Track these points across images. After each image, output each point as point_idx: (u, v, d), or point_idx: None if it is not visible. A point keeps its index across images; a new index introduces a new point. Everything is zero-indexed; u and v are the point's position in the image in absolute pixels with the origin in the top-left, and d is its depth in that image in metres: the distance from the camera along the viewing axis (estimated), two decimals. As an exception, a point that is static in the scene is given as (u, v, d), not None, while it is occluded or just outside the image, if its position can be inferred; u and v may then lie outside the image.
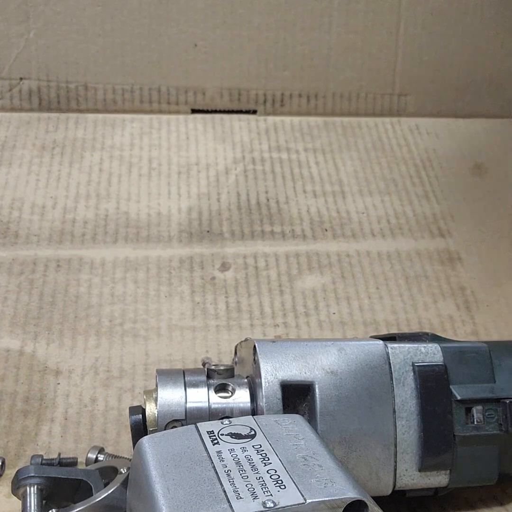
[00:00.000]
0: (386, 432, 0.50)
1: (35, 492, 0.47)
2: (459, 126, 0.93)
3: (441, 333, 0.67)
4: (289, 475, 0.39)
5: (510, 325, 0.71)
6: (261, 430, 0.44)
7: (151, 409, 0.50)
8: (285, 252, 0.76)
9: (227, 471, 0.40)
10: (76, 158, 0.83)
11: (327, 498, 0.37)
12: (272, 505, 0.37)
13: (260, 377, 0.49)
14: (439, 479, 0.51)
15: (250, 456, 0.41)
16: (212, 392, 0.50)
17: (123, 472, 0.50)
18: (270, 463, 0.40)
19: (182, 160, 0.84)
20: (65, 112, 0.88)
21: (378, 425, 0.49)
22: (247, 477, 0.39)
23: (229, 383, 0.50)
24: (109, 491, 0.48)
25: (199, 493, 0.38)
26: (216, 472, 0.40)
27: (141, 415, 0.50)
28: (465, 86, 0.93)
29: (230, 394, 0.50)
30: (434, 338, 0.55)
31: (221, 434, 0.43)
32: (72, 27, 0.85)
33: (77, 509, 0.47)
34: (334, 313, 0.70)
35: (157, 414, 0.49)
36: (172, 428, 0.48)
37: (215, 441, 0.43)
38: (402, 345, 0.52)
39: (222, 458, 0.41)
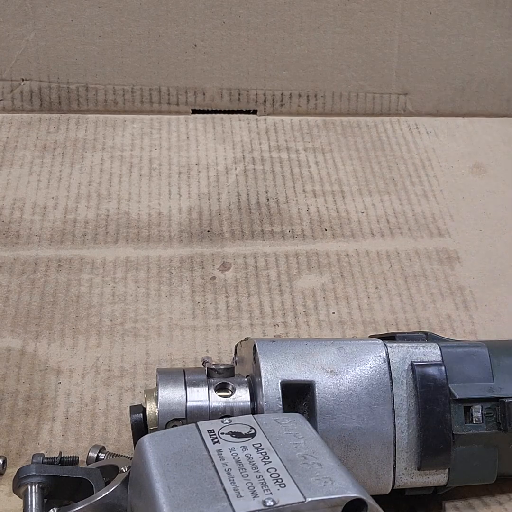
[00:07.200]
0: (385, 431, 0.50)
1: (36, 490, 0.47)
2: (459, 125, 0.93)
3: (440, 332, 0.68)
4: (289, 474, 0.39)
5: (509, 325, 0.71)
6: (261, 429, 0.44)
7: (151, 408, 0.50)
8: (285, 252, 0.76)
9: (228, 470, 0.40)
10: (77, 159, 0.83)
11: (326, 497, 0.38)
12: (272, 503, 0.37)
13: (260, 376, 0.49)
14: (438, 478, 0.52)
15: (250, 455, 0.41)
16: (212, 391, 0.50)
17: (124, 470, 0.50)
18: (270, 461, 0.41)
19: (183, 160, 0.85)
20: (66, 112, 0.88)
21: (377, 424, 0.50)
22: (247, 476, 0.39)
23: (229, 382, 0.51)
24: (110, 490, 0.48)
25: (200, 491, 0.38)
26: (217, 471, 0.40)
27: (141, 414, 0.50)
28: (464, 85, 0.93)
29: (230, 393, 0.50)
30: (433, 337, 0.55)
31: (221, 433, 0.43)
32: (72, 28, 0.86)
33: (78, 508, 0.47)
34: (333, 313, 0.70)
35: (158, 413, 0.49)
36: (172, 427, 0.48)
37: (216, 440, 0.43)
38: (401, 344, 0.52)
39: (223, 456, 0.41)
